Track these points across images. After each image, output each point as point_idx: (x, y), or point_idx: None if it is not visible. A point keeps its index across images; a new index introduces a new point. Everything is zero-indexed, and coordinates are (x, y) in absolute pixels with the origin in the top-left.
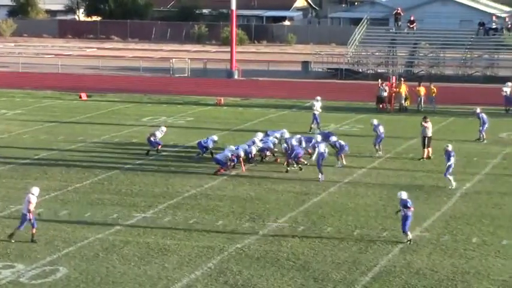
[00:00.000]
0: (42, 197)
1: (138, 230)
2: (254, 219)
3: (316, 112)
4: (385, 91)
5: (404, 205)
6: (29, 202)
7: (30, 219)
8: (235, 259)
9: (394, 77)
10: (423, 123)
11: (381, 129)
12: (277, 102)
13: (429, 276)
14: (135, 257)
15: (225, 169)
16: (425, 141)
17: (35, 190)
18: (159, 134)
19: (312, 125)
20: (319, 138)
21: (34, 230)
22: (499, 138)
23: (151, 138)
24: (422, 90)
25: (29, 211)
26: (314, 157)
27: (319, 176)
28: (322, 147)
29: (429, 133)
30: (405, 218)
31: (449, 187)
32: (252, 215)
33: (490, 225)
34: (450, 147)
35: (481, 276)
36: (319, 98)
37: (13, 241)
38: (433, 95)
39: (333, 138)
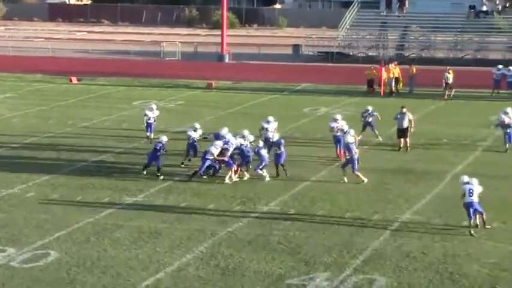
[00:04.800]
0: (33, 181)
1: (130, 213)
2: (245, 202)
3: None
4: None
5: None
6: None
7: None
8: (226, 242)
9: (382, 60)
10: (400, 112)
11: (376, 113)
12: (268, 86)
13: (420, 259)
14: (127, 241)
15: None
16: (402, 132)
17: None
18: (150, 114)
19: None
20: (261, 143)
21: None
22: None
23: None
24: (413, 70)
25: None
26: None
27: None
28: (264, 152)
29: (405, 124)
30: None
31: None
32: (243, 199)
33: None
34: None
35: (472, 259)
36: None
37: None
38: (413, 76)
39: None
